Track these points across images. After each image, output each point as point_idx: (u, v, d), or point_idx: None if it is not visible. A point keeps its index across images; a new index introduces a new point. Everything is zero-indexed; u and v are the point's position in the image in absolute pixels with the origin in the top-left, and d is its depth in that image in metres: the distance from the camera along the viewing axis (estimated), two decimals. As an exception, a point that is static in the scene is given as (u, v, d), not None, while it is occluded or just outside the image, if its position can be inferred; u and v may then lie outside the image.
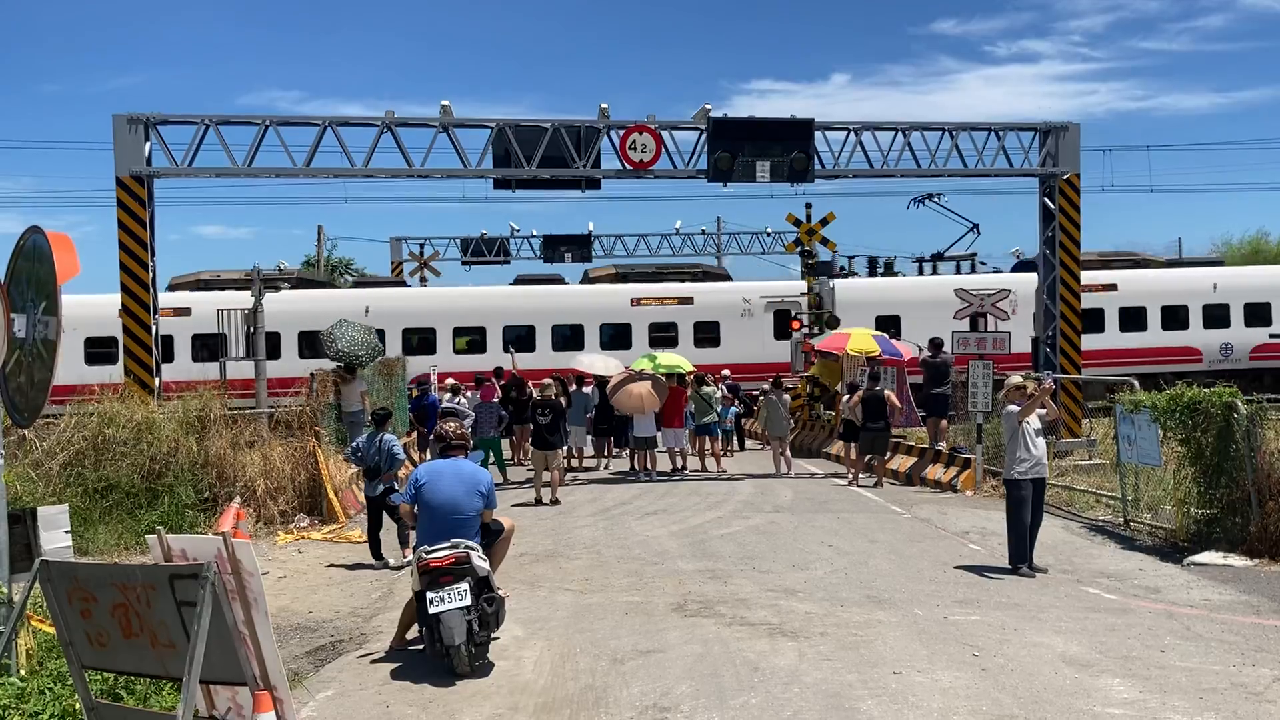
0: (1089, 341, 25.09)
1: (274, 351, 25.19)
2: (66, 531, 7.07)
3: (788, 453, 19.81)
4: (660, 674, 7.58)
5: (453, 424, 9.06)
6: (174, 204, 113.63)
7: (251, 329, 20.72)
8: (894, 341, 22.55)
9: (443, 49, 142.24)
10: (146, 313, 18.10)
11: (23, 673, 6.63)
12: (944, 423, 19.33)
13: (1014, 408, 11.11)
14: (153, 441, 13.99)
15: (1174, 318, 30.05)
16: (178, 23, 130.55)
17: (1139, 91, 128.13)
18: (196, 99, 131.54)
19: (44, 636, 7.09)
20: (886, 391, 18.31)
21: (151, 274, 18.23)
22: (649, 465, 19.48)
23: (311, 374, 17.99)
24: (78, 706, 5.70)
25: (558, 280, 32.01)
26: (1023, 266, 30.71)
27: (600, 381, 21.33)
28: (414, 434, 21.13)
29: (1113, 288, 29.78)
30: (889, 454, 19.57)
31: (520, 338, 28.28)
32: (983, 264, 33.19)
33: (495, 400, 19.24)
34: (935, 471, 17.92)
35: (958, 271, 32.08)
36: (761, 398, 19.93)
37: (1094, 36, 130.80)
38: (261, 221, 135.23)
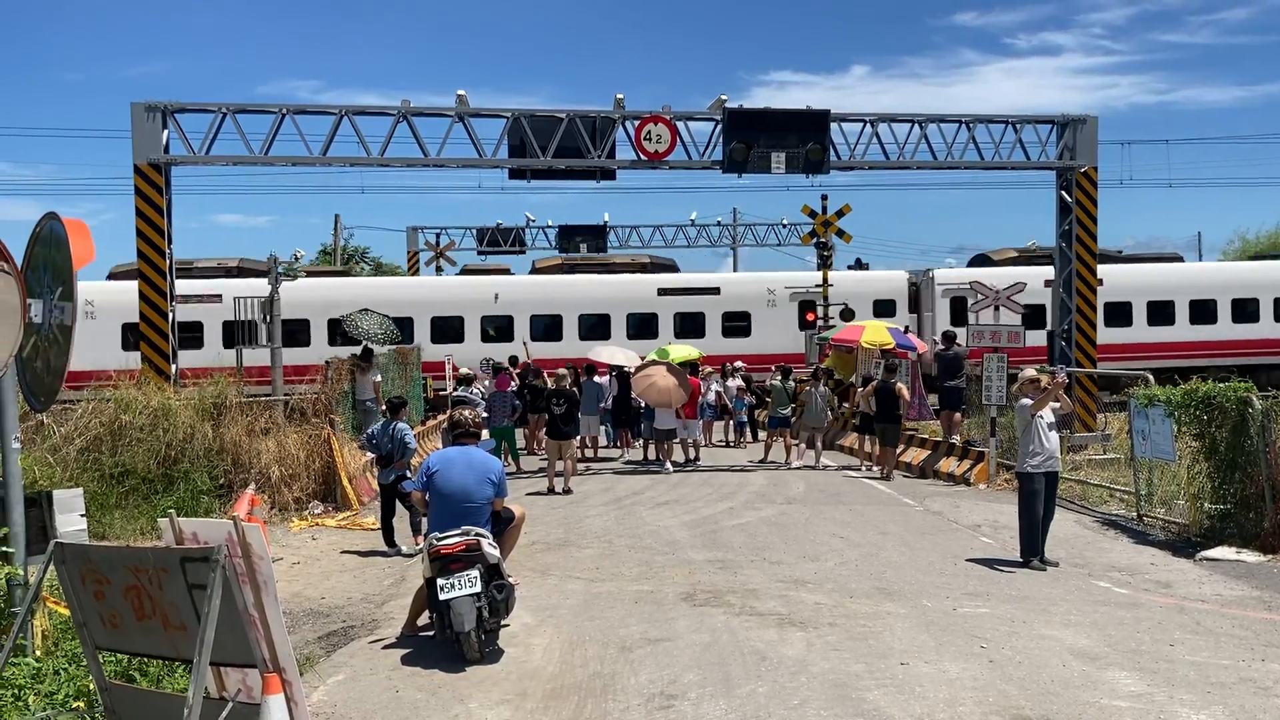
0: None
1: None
2: (81, 515, 7.14)
3: (819, 444, 19.77)
4: (668, 662, 7.62)
5: (469, 411, 9.10)
6: (192, 192, 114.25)
7: (268, 317, 20.84)
8: (908, 334, 22.49)
9: (459, 39, 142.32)
10: (164, 299, 18.19)
11: (38, 653, 6.72)
12: (957, 416, 19.29)
13: (1028, 401, 11.08)
14: (169, 428, 14.10)
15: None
16: (198, 12, 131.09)
17: (1160, 85, 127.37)
18: (215, 88, 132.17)
19: (59, 618, 7.18)
20: (898, 384, 18.28)
21: (169, 261, 18.32)
22: (668, 456, 19.49)
23: (327, 362, 18.11)
24: (92, 687, 5.77)
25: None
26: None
27: (617, 372, 21.41)
28: (427, 422, 21.29)
29: None
30: (902, 447, 19.55)
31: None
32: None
33: (510, 390, 19.31)
34: (948, 464, 17.89)
35: None
36: (804, 388, 20.00)
37: (1115, 29, 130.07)
38: (279, 210, 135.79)
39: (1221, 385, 12.03)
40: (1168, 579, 10.41)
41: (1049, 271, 27.15)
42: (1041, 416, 10.97)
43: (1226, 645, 8.03)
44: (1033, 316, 26.81)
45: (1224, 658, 7.70)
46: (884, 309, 29.39)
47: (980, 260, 31.89)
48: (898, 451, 18.97)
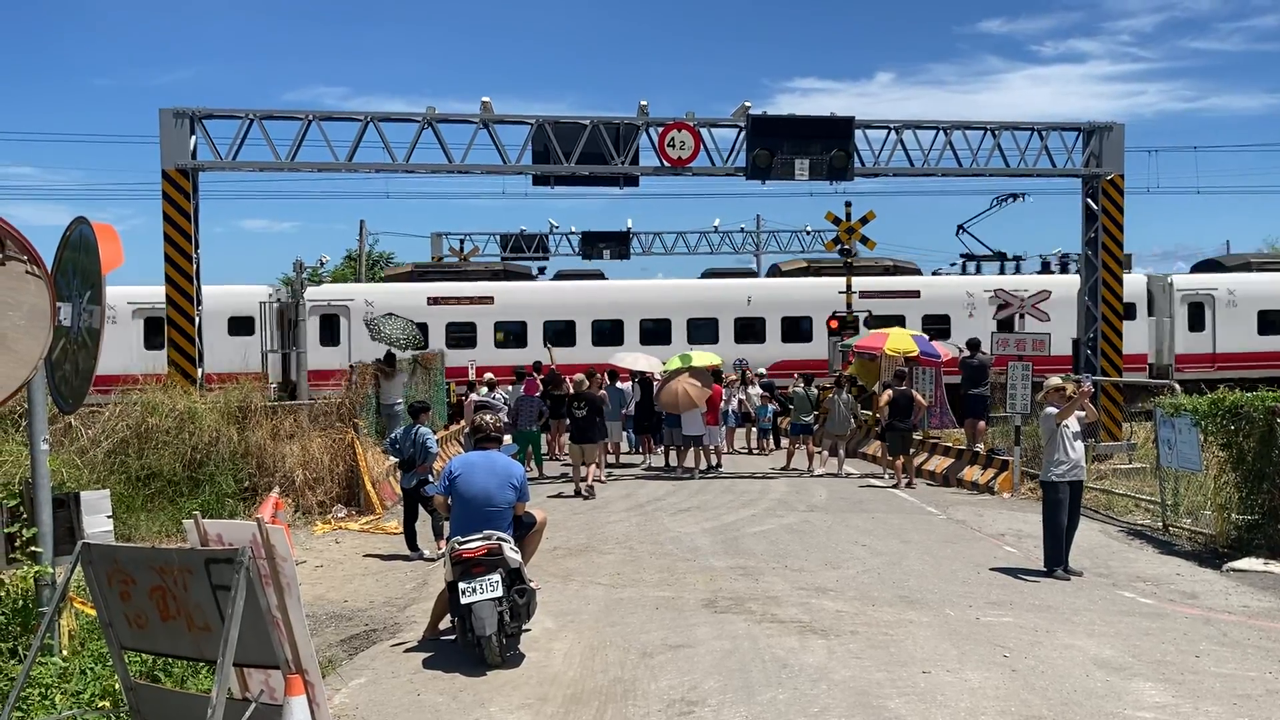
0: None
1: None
2: (108, 515, 7.21)
3: (842, 452, 19.71)
4: (689, 668, 7.62)
5: (490, 416, 9.14)
6: (219, 197, 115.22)
7: (295, 320, 21.00)
8: (933, 342, 22.39)
9: (484, 47, 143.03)
10: (190, 303, 18.34)
11: (65, 653, 6.79)
12: (981, 424, 19.17)
13: (1052, 409, 11.01)
14: (194, 431, 14.22)
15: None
16: (226, 19, 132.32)
17: (1188, 92, 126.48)
18: (242, 94, 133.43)
19: (85, 618, 7.26)
20: (913, 392, 18.21)
21: (195, 266, 18.49)
22: (693, 463, 19.46)
23: (351, 366, 18.23)
24: (117, 686, 5.83)
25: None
26: None
27: (640, 378, 21.42)
28: (450, 427, 21.36)
29: None
30: (926, 455, 19.47)
31: None
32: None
33: (536, 395, 19.35)
34: (972, 473, 17.79)
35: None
36: (828, 395, 19.98)
37: (1143, 36, 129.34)
38: (304, 216, 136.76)
39: (1249, 395, 11.93)
40: (1194, 590, 10.32)
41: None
42: (1067, 425, 10.91)
43: (1253, 657, 7.95)
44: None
45: (1250, 670, 7.62)
46: (241, 327, 26.68)
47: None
48: (917, 459, 18.90)
